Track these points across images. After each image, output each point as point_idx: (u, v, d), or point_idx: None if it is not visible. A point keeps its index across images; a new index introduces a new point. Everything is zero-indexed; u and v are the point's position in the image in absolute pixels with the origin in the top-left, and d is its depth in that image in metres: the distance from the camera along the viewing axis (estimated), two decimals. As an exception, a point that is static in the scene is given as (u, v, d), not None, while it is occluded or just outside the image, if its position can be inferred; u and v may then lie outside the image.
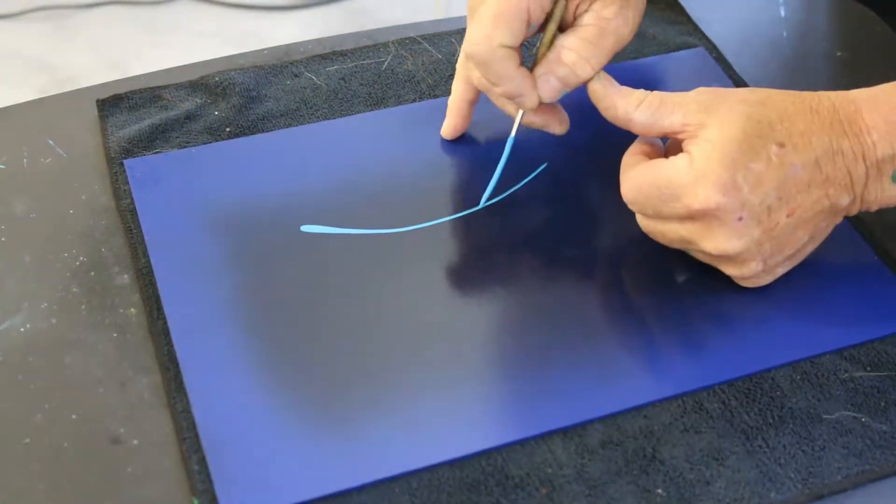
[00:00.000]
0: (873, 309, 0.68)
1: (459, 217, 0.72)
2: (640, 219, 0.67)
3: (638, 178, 0.65)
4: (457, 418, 0.61)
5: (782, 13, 0.91)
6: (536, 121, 0.72)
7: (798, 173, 0.62)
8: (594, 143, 0.77)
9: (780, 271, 0.67)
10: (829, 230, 0.66)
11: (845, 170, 0.63)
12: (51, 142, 0.76)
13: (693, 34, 0.87)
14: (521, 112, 0.71)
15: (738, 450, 0.61)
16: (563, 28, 0.69)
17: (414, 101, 0.80)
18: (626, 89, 0.67)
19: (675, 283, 0.69)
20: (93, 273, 0.68)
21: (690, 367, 0.64)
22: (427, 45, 0.85)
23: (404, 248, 0.70)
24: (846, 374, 0.64)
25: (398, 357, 0.64)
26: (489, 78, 0.68)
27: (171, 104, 0.79)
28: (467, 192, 0.74)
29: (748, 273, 0.65)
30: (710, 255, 0.65)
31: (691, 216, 0.63)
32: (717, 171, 0.61)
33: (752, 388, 0.64)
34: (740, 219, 0.62)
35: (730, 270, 0.66)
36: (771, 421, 0.62)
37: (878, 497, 0.60)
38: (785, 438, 0.61)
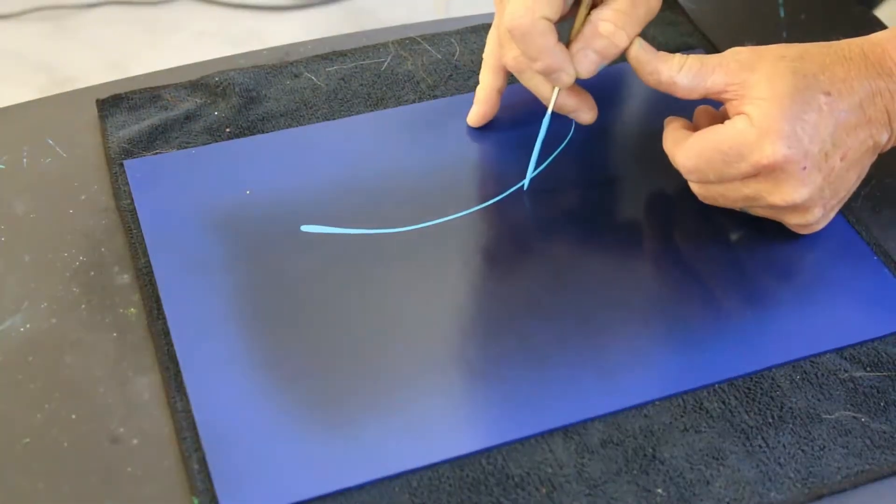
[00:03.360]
0: (873, 309, 0.68)
1: (459, 217, 0.72)
2: (697, 187, 0.69)
3: (697, 146, 0.67)
4: (457, 417, 0.61)
5: (782, 14, 0.91)
6: (569, 104, 0.73)
7: (846, 118, 0.65)
8: (593, 142, 0.77)
9: (832, 215, 0.69)
10: (868, 169, 0.69)
11: (883, 108, 0.65)
12: (51, 142, 0.76)
13: (693, 35, 0.87)
14: (556, 90, 0.71)
15: (737, 449, 0.61)
16: (594, 5, 0.70)
17: (414, 101, 0.80)
18: (665, 54, 0.69)
19: (674, 282, 0.69)
20: (93, 273, 0.68)
21: (690, 366, 0.64)
22: (427, 46, 0.85)
23: (404, 247, 0.70)
24: (846, 374, 0.64)
25: (398, 356, 0.64)
26: (529, 52, 0.68)
27: (170, 104, 0.79)
28: (467, 191, 0.74)
29: (811, 220, 0.68)
30: (775, 207, 0.67)
31: (757, 172, 0.65)
32: (778, 125, 0.63)
33: (752, 387, 0.64)
34: (804, 168, 0.64)
35: (793, 220, 0.68)
36: (771, 420, 0.62)
37: (878, 497, 0.60)
38: (785, 438, 0.61)
